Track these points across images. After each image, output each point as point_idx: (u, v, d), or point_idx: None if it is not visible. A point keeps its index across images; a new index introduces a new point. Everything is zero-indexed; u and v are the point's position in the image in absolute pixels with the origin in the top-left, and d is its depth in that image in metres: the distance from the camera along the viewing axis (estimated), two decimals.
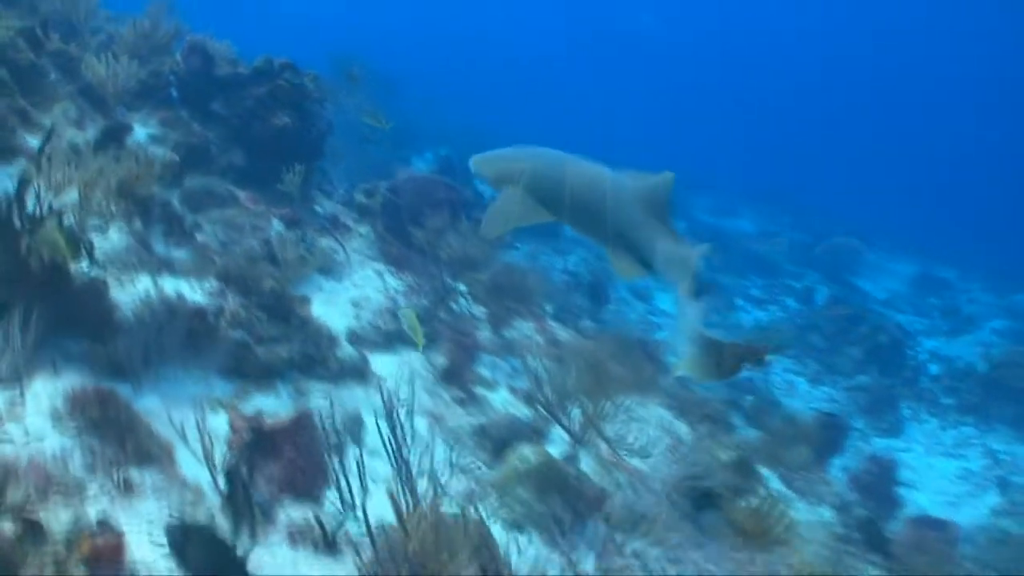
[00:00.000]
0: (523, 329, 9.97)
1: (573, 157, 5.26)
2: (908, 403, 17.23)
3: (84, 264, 6.47)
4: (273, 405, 6.84)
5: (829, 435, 12.71)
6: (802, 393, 17.48)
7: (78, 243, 6.11)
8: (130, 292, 6.95)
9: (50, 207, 5.86)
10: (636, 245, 4.90)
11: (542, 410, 7.63)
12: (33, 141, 7.97)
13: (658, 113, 51.12)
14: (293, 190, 8.95)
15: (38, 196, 5.83)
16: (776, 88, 59.83)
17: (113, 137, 7.75)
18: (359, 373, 7.65)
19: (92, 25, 10.43)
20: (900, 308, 23.59)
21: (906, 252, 28.96)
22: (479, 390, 8.39)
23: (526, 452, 6.78)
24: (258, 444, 5.30)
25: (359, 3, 55.23)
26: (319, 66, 10.96)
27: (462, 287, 9.39)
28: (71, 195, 6.34)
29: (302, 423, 5.43)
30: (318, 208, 10.48)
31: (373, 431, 7.07)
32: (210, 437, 5.26)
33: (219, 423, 6.09)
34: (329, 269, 9.01)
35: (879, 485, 12.36)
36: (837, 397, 17.05)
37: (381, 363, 8.10)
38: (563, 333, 10.82)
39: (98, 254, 7.03)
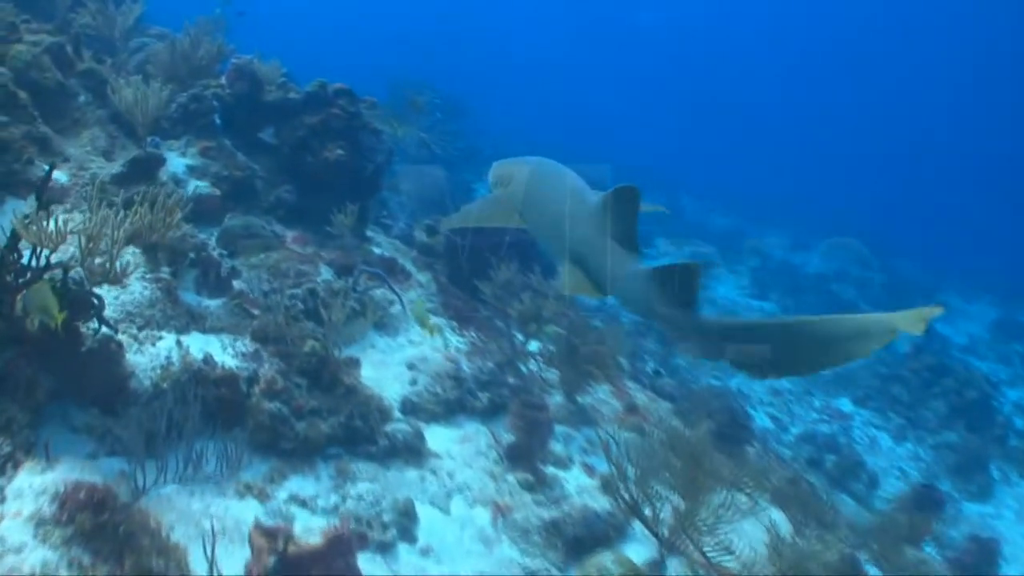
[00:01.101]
0: (598, 392, 8.75)
1: (559, 170, 5.21)
2: (997, 463, 15.70)
3: (92, 325, 5.40)
4: (311, 489, 5.90)
5: (927, 510, 11.35)
6: (885, 450, 16.04)
7: (80, 303, 5.06)
8: (149, 354, 5.93)
9: (46, 261, 4.78)
10: (588, 264, 4.72)
11: (623, 502, 6.39)
12: (55, 174, 6.97)
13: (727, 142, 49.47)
14: (344, 233, 7.84)
15: (34, 248, 4.77)
16: (835, 112, 57.81)
17: (142, 170, 6.75)
18: (413, 451, 6.55)
19: (137, 41, 9.50)
20: (982, 355, 21.92)
21: (984, 293, 27.21)
22: (550, 469, 7.20)
23: (607, 563, 5.82)
24: (282, 570, 4.15)
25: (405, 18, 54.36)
26: (376, 89, 9.92)
27: (533, 346, 8.18)
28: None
29: (337, 545, 4.30)
30: (375, 248, 9.39)
31: (427, 525, 6.05)
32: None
33: (246, 512, 5.32)
34: (383, 323, 7.92)
35: (980, 567, 10.96)
36: (923, 455, 15.61)
37: (439, 438, 6.99)
38: (641, 396, 9.58)
39: (115, 309, 6.01)
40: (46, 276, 4.91)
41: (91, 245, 4.70)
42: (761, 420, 14.11)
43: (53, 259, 4.91)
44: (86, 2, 8.00)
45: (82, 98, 7.68)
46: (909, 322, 3.94)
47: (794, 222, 29.60)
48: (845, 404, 15.81)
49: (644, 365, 13.05)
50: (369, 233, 9.47)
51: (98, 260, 4.87)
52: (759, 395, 15.15)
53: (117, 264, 5.04)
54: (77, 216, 6.85)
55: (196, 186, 7.91)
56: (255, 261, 7.54)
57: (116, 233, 4.77)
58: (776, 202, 33.11)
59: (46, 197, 4.99)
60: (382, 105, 9.27)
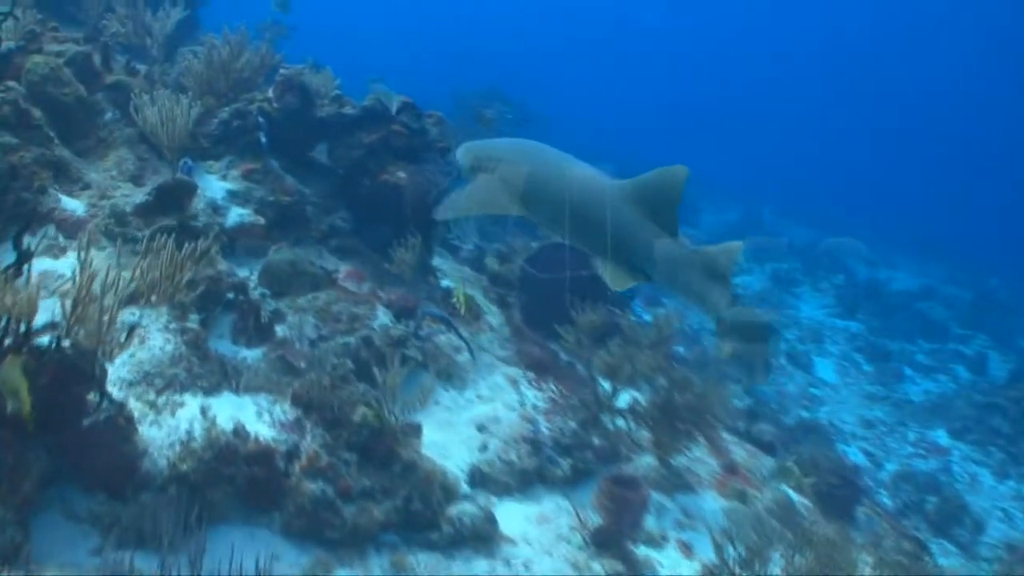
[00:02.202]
0: (693, 449, 7.50)
1: (558, 154, 5.01)
2: None
3: (95, 396, 4.38)
4: None
5: None
6: (987, 489, 14.49)
7: (76, 372, 4.05)
8: (168, 427, 4.91)
9: (26, 328, 3.73)
10: (630, 251, 4.61)
11: None
12: (71, 203, 5.97)
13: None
14: (405, 271, 6.73)
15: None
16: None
17: (171, 200, 5.71)
18: (482, 538, 5.53)
19: (186, 51, 8.48)
20: None
21: None
22: (641, 550, 6.02)
23: None
24: None
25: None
26: (439, 102, 8.79)
27: (622, 401, 6.96)
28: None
29: None
30: (441, 279, 8.23)
31: None
32: None
33: None
34: (449, 373, 6.81)
35: None
36: None
37: (513, 517, 5.91)
38: (739, 451, 8.35)
39: (129, 369, 5.02)
40: (26, 346, 3.84)
41: (79, 311, 3.61)
42: (855, 455, 13.07)
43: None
44: (115, 7, 6.97)
45: (109, 115, 6.71)
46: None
47: (872, 230, 28.03)
48: (941, 436, 14.62)
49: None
50: (435, 259, 8.32)
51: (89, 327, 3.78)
52: (851, 427, 14.16)
53: (118, 330, 3.94)
54: (94, 256, 5.84)
55: (237, 214, 6.88)
56: (302, 303, 6.47)
57: (112, 296, 3.68)
58: (851, 209, 31.45)
59: (33, 249, 3.93)
60: (448, 120, 8.09)
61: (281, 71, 7.41)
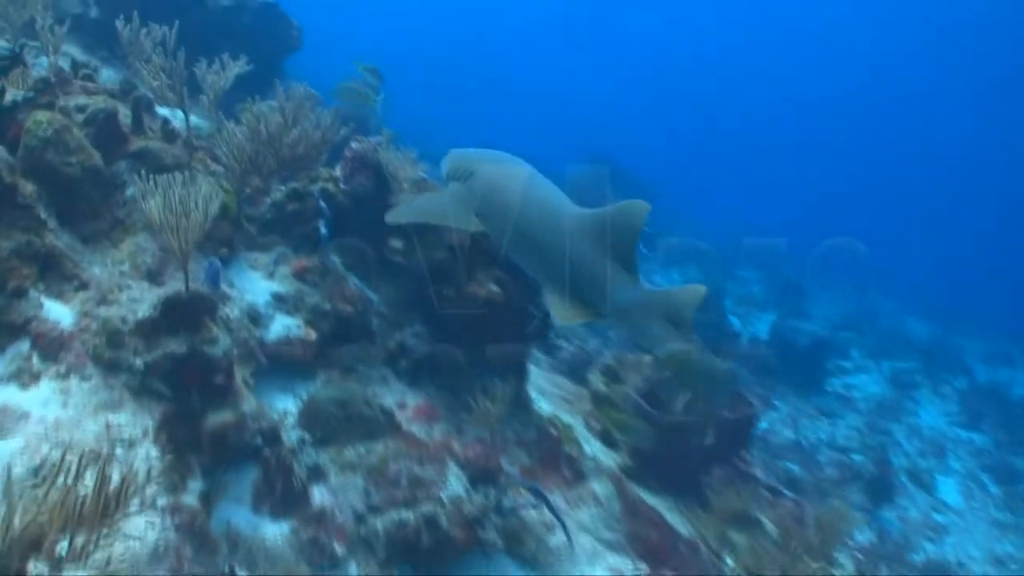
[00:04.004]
0: None
1: (531, 173, 4.82)
2: None
3: None
4: None
5: None
6: None
7: None
8: None
9: None
10: (583, 284, 4.34)
11: None
12: (56, 311, 4.41)
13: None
14: (491, 424, 5.00)
15: None
16: None
17: (182, 318, 4.08)
18: None
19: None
20: None
21: None
22: None
23: None
24: None
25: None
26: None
27: None
28: None
29: None
30: (535, 405, 6.48)
31: None
32: None
33: None
34: (534, 558, 4.99)
35: None
36: None
37: None
38: None
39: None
40: None
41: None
42: None
43: None
44: (151, 55, 5.45)
45: (131, 190, 5.12)
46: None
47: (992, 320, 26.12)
48: None
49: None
50: (527, 393, 6.57)
51: None
52: (979, 566, 12.48)
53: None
54: (74, 386, 4.28)
55: (283, 325, 5.29)
56: (351, 456, 4.84)
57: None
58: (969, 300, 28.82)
59: None
60: None
61: (352, 144, 5.84)
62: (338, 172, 5.90)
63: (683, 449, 6.20)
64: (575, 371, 8.76)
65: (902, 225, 47.13)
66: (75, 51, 8.60)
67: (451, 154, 5.32)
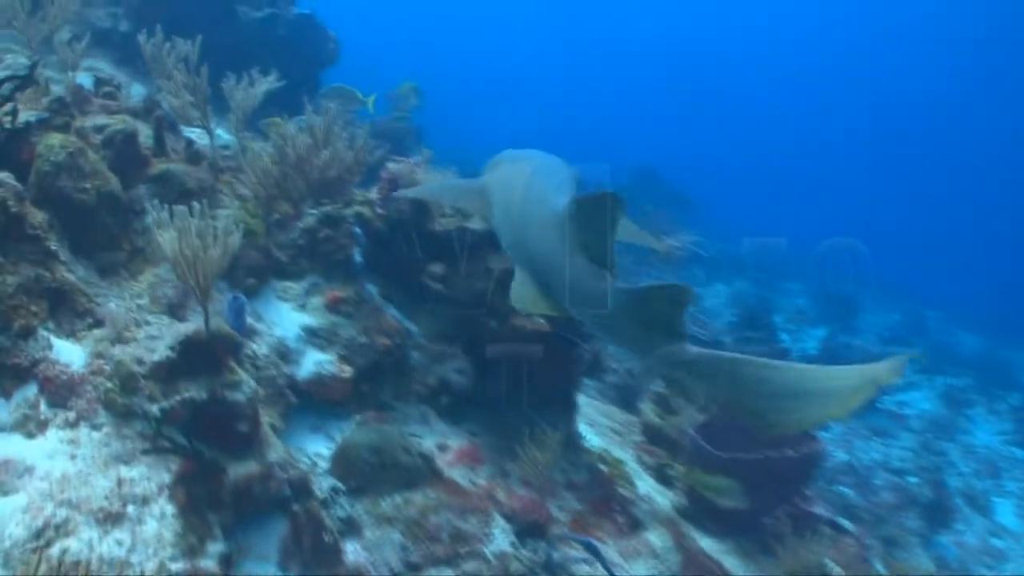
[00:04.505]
0: None
1: (539, 164, 4.57)
2: None
3: None
4: None
5: None
6: None
7: None
8: None
9: None
10: (547, 273, 4.03)
11: None
12: (67, 351, 4.02)
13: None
14: (539, 473, 4.52)
15: None
16: None
17: (201, 359, 3.66)
18: None
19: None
20: None
21: None
22: None
23: None
24: None
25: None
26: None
27: None
28: None
29: None
30: (581, 437, 6.00)
31: None
32: None
33: None
34: None
35: None
36: None
37: None
38: None
39: None
40: None
41: None
42: None
43: None
44: (172, 71, 5.05)
45: (150, 217, 4.72)
46: (890, 372, 3.45)
47: None
48: None
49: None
50: (578, 431, 6.08)
51: None
52: None
53: None
54: (84, 436, 3.88)
55: (315, 362, 4.86)
56: (387, 508, 4.40)
57: None
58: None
59: None
60: None
61: (389, 165, 5.42)
62: (374, 195, 5.47)
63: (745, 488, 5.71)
64: (624, 398, 8.28)
65: (950, 233, 46.16)
66: (104, 66, 8.29)
67: (496, 156, 5.16)
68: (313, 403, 4.96)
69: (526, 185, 4.36)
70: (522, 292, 4.07)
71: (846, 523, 8.93)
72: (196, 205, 3.66)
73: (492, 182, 4.69)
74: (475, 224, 5.43)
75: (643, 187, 19.04)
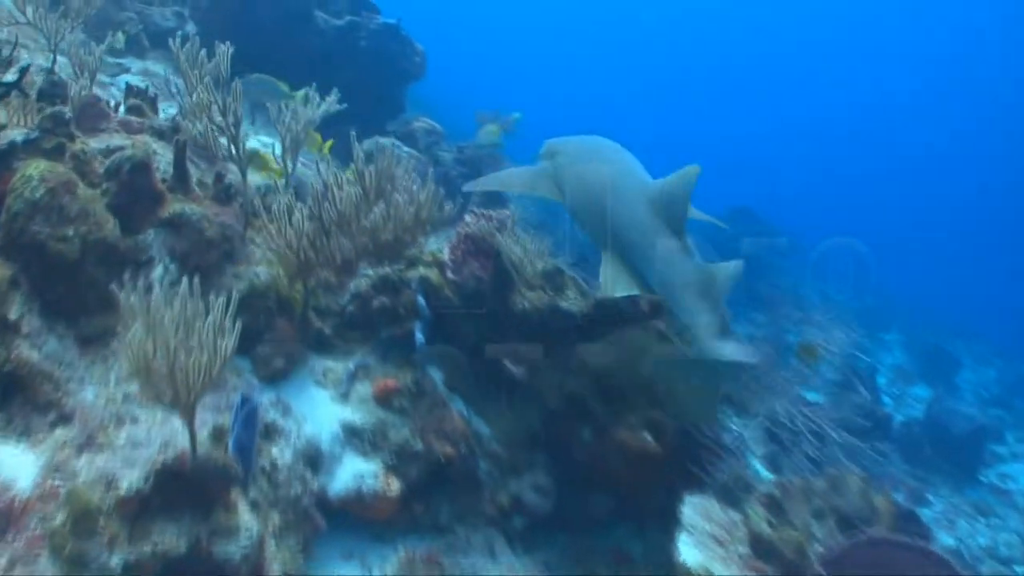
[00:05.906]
0: None
1: (614, 146, 4.44)
2: None
3: None
4: None
5: None
6: None
7: None
8: None
9: None
10: (632, 253, 3.96)
11: None
12: (13, 466, 2.86)
13: None
14: None
15: None
16: None
17: (185, 495, 2.48)
18: None
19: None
20: None
21: None
22: None
23: None
24: None
25: None
26: None
27: None
28: None
29: None
30: (678, 553, 4.75)
31: None
32: None
33: None
34: None
35: None
36: None
37: None
38: None
39: None
40: None
41: None
42: None
43: None
44: (194, 92, 3.93)
45: (160, 269, 3.61)
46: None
47: None
48: None
49: None
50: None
51: None
52: None
53: None
54: None
55: (354, 473, 3.68)
56: None
57: None
58: None
59: None
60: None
61: (467, 219, 4.18)
62: (446, 255, 4.29)
63: None
64: (726, 490, 6.94)
65: None
66: (160, 70, 7.34)
67: (548, 142, 4.86)
68: (348, 520, 3.79)
69: (613, 164, 4.21)
70: (612, 272, 3.89)
71: None
72: (186, 281, 2.51)
73: (566, 165, 4.37)
74: (568, 304, 4.19)
75: (741, 225, 17.63)
